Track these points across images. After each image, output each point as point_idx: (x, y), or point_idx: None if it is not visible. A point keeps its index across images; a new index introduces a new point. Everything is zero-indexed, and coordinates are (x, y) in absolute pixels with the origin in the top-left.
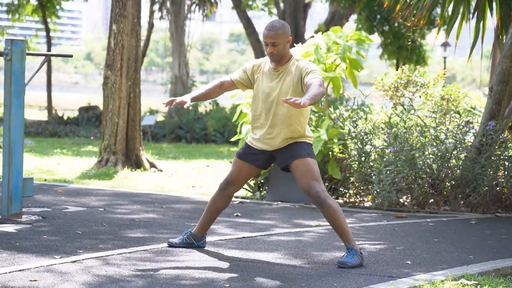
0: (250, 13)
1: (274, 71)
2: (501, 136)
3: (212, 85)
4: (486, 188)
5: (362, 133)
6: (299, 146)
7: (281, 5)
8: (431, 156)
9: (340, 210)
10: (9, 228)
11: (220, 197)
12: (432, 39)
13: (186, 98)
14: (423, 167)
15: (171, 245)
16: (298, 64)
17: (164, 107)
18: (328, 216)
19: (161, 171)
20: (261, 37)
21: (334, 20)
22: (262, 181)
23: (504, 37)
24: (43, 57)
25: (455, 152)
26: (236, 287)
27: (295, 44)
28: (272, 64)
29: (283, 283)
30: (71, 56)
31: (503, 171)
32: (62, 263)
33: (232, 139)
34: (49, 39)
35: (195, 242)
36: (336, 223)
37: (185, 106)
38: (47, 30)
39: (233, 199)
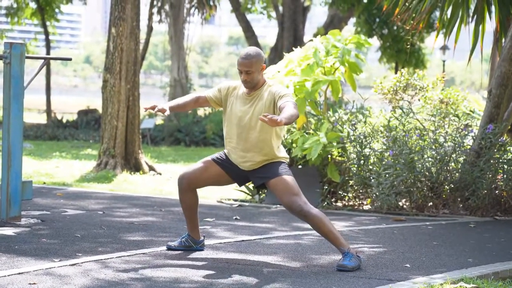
0: (249, 17)
1: (247, 95)
2: (500, 139)
3: (188, 98)
4: (485, 191)
5: (361, 136)
6: (274, 166)
7: (280, 8)
8: (430, 159)
9: (325, 218)
10: (8, 231)
11: (182, 194)
12: (431, 43)
13: (166, 106)
14: (422, 171)
15: (170, 248)
16: (270, 89)
17: (144, 112)
18: (315, 226)
19: (160, 174)
20: (260, 40)
21: (333, 23)
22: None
23: (503, 40)
24: (42, 60)
25: (454, 155)
26: None
27: (293, 48)
28: (245, 89)
29: (281, 286)
30: (70, 59)
31: (502, 174)
32: (61, 266)
33: None
34: (48, 42)
35: (194, 245)
36: (323, 230)
37: (165, 114)
38: (46, 33)
39: (232, 202)
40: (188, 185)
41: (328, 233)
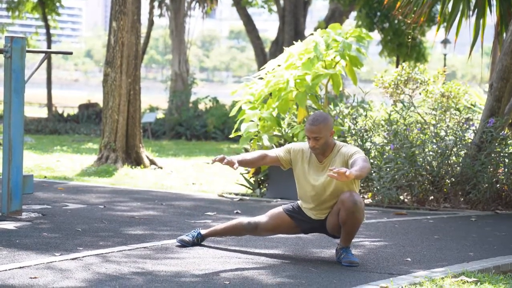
0: (250, 10)
1: (320, 163)
2: (501, 133)
3: (256, 155)
4: (486, 185)
5: (362, 130)
6: None
7: (281, 2)
8: (431, 153)
9: None
10: (9, 225)
11: (245, 232)
12: (432, 36)
13: (235, 160)
14: (423, 164)
15: (182, 245)
16: (340, 152)
17: (211, 164)
18: (358, 219)
19: (161, 168)
20: (261, 34)
21: (334, 17)
22: (262, 178)
23: (504, 34)
24: (43, 54)
25: (455, 149)
26: (236, 284)
27: (294, 42)
28: (316, 156)
29: (283, 280)
30: (71, 53)
31: (503, 168)
32: (62, 260)
33: (231, 136)
34: (49, 36)
35: (200, 242)
36: (358, 224)
37: (234, 167)
38: (47, 27)
39: (233, 196)
40: (256, 234)
41: (357, 229)
